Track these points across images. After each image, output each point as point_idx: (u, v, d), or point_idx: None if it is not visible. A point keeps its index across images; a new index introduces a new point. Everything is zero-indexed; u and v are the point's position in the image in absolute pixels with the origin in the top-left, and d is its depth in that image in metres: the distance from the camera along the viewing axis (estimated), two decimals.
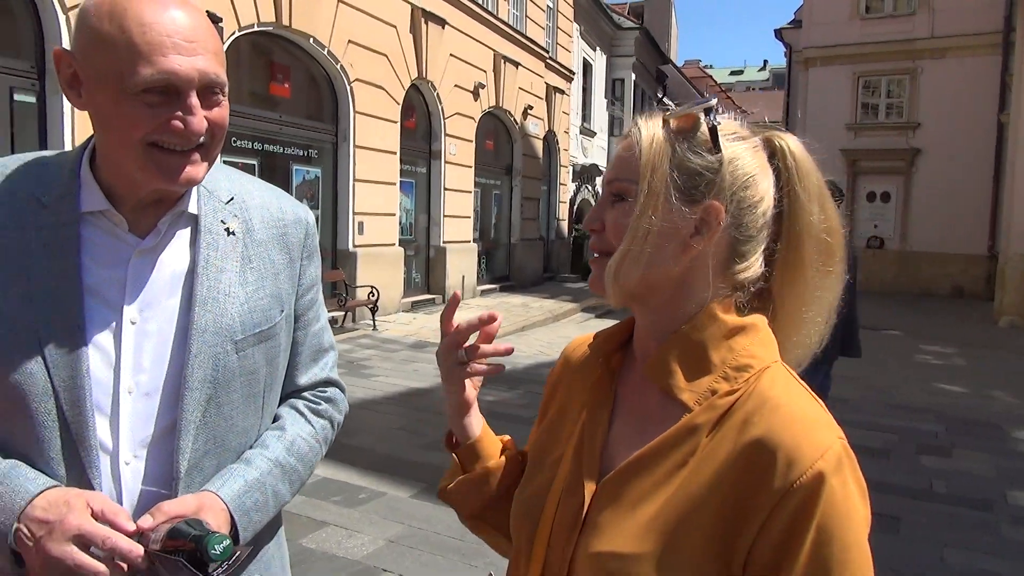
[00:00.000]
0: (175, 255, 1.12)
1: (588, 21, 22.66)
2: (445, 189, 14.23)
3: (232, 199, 1.18)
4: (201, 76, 1.01)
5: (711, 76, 48.42)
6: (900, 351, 11.22)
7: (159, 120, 1.00)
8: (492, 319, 1.00)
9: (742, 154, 0.89)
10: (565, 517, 0.90)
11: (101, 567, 0.94)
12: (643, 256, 0.87)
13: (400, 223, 12.88)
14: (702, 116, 0.88)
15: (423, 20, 12.60)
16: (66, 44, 6.88)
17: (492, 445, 1.10)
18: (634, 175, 0.88)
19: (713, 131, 0.87)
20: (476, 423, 1.10)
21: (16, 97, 6.78)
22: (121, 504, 1.05)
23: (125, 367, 1.07)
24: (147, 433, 1.07)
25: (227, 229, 1.15)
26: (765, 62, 77.06)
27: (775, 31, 25.11)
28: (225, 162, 7.96)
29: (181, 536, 0.94)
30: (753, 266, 0.90)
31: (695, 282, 0.89)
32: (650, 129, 0.89)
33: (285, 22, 9.63)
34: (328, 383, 1.33)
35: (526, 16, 17.24)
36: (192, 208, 1.14)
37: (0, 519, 0.97)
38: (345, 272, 11.19)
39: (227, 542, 0.93)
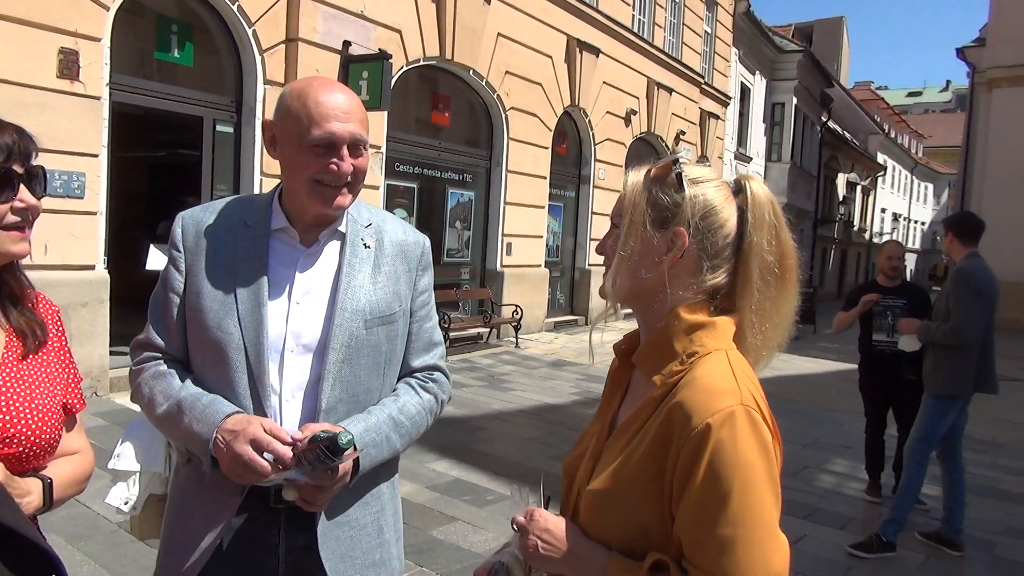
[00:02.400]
0: (328, 259, 1.59)
1: (748, 45, 22.30)
2: (593, 213, 14.56)
3: (370, 224, 1.65)
4: (351, 136, 1.50)
5: (883, 98, 45.69)
6: None
7: (322, 164, 1.48)
8: None
9: (705, 190, 1.17)
10: (585, 471, 1.24)
11: (263, 463, 1.36)
12: (628, 270, 1.18)
13: (547, 245, 13.34)
14: (672, 166, 1.19)
15: (578, 50, 13.05)
16: (261, 83, 7.87)
17: None
18: (621, 210, 1.21)
19: (678, 176, 1.17)
20: None
21: (218, 128, 7.82)
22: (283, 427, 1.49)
23: (290, 333, 1.53)
24: (302, 380, 1.53)
25: (364, 244, 1.62)
26: (948, 83, 71.83)
27: (957, 50, 23.51)
28: (388, 184, 8.76)
29: (320, 439, 1.35)
30: (719, 277, 1.18)
31: (669, 289, 1.17)
32: (634, 177, 1.21)
33: (448, 56, 10.37)
34: (436, 369, 1.74)
35: (682, 42, 17.31)
36: (342, 228, 1.61)
37: (206, 429, 1.43)
38: (492, 290, 11.75)
39: (350, 436, 1.34)
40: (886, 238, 35.62)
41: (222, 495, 1.49)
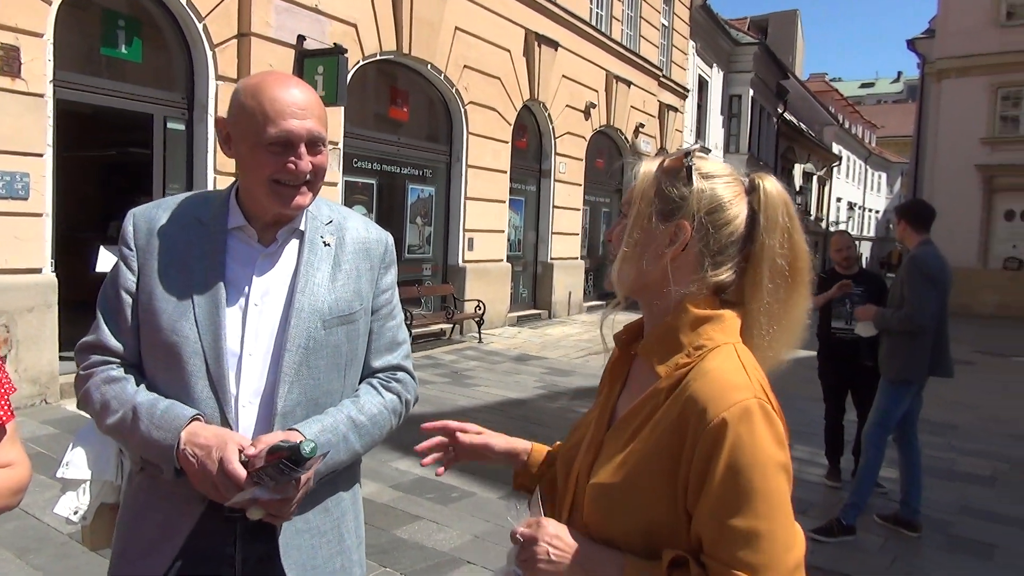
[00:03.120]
0: (287, 258, 1.54)
1: (705, 38, 22.51)
2: (554, 207, 14.57)
3: (331, 221, 1.60)
4: (308, 133, 1.45)
5: (837, 90, 46.54)
6: None
7: (279, 163, 1.43)
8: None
9: (713, 186, 1.15)
10: (586, 462, 1.21)
11: (236, 484, 1.31)
12: (634, 260, 1.16)
13: (509, 240, 13.31)
14: (684, 159, 1.16)
15: (536, 43, 13.02)
16: (213, 79, 7.70)
17: (539, 454, 1.49)
18: (631, 200, 1.19)
19: (688, 169, 1.15)
20: (513, 449, 1.50)
21: (169, 125, 7.63)
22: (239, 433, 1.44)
23: (248, 336, 1.47)
24: (259, 385, 1.47)
25: (324, 242, 1.57)
26: (899, 74, 73.45)
27: (907, 42, 24.04)
28: (347, 181, 8.67)
29: (279, 450, 1.28)
30: (724, 274, 1.16)
31: (674, 281, 1.15)
32: (646, 167, 1.19)
33: (405, 50, 10.26)
34: (399, 369, 1.68)
35: (640, 35, 17.39)
36: (301, 226, 1.55)
37: (167, 436, 1.37)
38: (454, 286, 11.70)
39: (313, 445, 1.26)
40: (842, 227, 36.35)
41: (181, 504, 1.43)
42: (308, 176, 1.46)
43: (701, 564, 1.05)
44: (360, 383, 1.62)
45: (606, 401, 1.27)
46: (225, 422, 1.43)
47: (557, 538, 1.12)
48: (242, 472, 1.31)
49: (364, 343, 1.61)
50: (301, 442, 1.26)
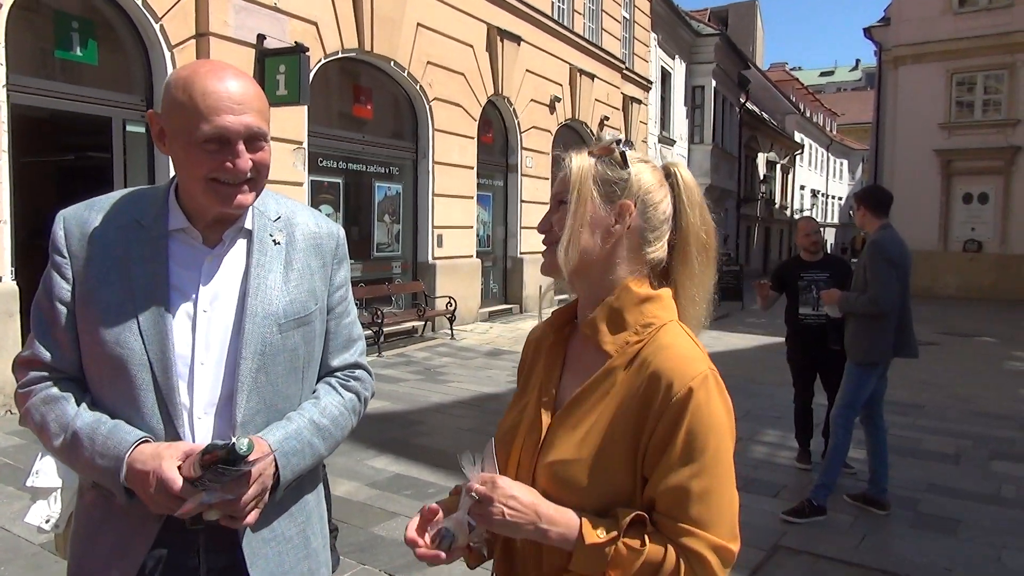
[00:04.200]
0: (235, 260, 1.45)
1: (666, 30, 22.67)
2: (522, 201, 14.58)
3: (279, 218, 1.51)
4: (246, 129, 1.35)
5: (798, 79, 47.15)
6: (990, 358, 10.85)
7: (216, 162, 1.34)
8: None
9: (644, 170, 1.26)
10: (529, 443, 1.27)
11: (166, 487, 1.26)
12: (579, 241, 1.22)
13: (478, 235, 13.31)
14: (615, 145, 1.26)
15: (499, 38, 13.02)
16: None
17: None
18: (568, 187, 1.25)
19: (623, 154, 1.26)
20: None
21: (128, 128, 7.50)
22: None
23: (199, 344, 1.39)
24: (215, 395, 1.39)
25: (274, 240, 1.48)
26: (857, 61, 74.59)
27: (864, 30, 24.40)
28: (312, 180, 8.56)
29: (214, 449, 1.23)
30: (659, 251, 1.26)
31: (617, 261, 1.25)
32: (578, 155, 1.27)
33: (367, 47, 10.19)
34: (357, 366, 1.63)
35: (602, 28, 17.46)
36: (248, 225, 1.47)
37: (111, 464, 1.31)
38: (425, 283, 11.67)
39: (248, 442, 1.21)
40: (806, 214, 36.88)
41: (136, 518, 1.36)
42: (250, 174, 1.37)
43: (654, 523, 1.13)
44: (318, 382, 1.57)
45: (546, 381, 1.31)
46: (175, 436, 1.36)
47: (513, 499, 1.14)
48: (177, 478, 1.25)
49: (321, 344, 1.55)
50: (235, 441, 1.21)
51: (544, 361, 1.34)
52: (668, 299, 1.25)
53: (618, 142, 1.26)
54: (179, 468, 1.27)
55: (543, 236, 1.30)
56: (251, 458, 1.24)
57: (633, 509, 1.13)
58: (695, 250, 1.26)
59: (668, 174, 1.28)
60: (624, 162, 1.24)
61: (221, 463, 1.22)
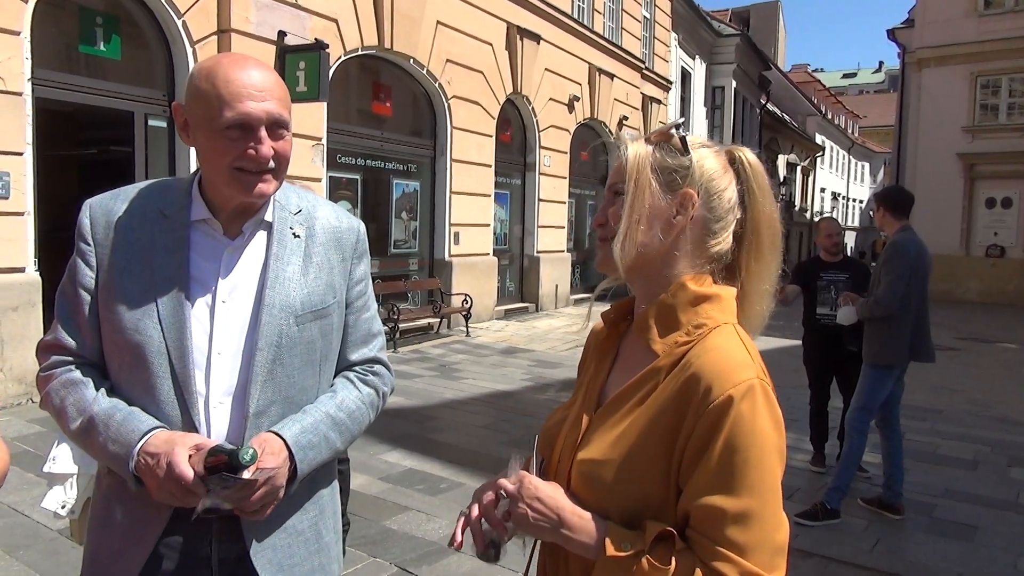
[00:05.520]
0: (255, 251, 1.47)
1: (687, 30, 22.56)
2: (539, 200, 14.58)
3: (300, 211, 1.52)
4: (268, 116, 1.36)
5: (819, 80, 46.79)
6: (1011, 364, 10.73)
7: (239, 150, 1.35)
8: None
9: (707, 155, 1.17)
10: (569, 440, 1.21)
11: (192, 489, 1.27)
12: (637, 235, 1.14)
13: (495, 233, 13.32)
14: (674, 131, 1.18)
15: (518, 37, 13.02)
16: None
17: None
18: (624, 177, 1.17)
19: (683, 139, 1.17)
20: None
21: (150, 123, 7.59)
22: (210, 436, 1.39)
23: (217, 334, 1.41)
24: (231, 385, 1.41)
25: (294, 233, 1.49)
26: (880, 63, 73.90)
27: (888, 31, 24.15)
28: (331, 177, 8.61)
29: (219, 452, 1.25)
30: (724, 242, 1.17)
31: (678, 255, 1.16)
32: (634, 143, 1.19)
33: (387, 45, 10.23)
34: (375, 361, 1.63)
35: (622, 28, 17.41)
36: (268, 217, 1.48)
37: (123, 451, 1.33)
38: (441, 280, 11.70)
39: (253, 450, 1.23)
40: (828, 215, 36.50)
41: (150, 506, 1.37)
42: (272, 163, 1.38)
43: (684, 539, 1.04)
44: (336, 376, 1.57)
45: (594, 378, 1.26)
46: (191, 424, 1.38)
47: (537, 500, 1.11)
48: (189, 473, 1.26)
49: (339, 338, 1.55)
50: (240, 448, 1.23)
51: (597, 356, 1.29)
52: (728, 299, 1.16)
53: (677, 126, 1.18)
54: (189, 458, 1.29)
55: (598, 230, 1.22)
56: (259, 466, 1.25)
57: (662, 523, 1.05)
58: (767, 239, 1.18)
59: (733, 159, 1.19)
60: (684, 147, 1.15)
61: (224, 468, 1.23)
